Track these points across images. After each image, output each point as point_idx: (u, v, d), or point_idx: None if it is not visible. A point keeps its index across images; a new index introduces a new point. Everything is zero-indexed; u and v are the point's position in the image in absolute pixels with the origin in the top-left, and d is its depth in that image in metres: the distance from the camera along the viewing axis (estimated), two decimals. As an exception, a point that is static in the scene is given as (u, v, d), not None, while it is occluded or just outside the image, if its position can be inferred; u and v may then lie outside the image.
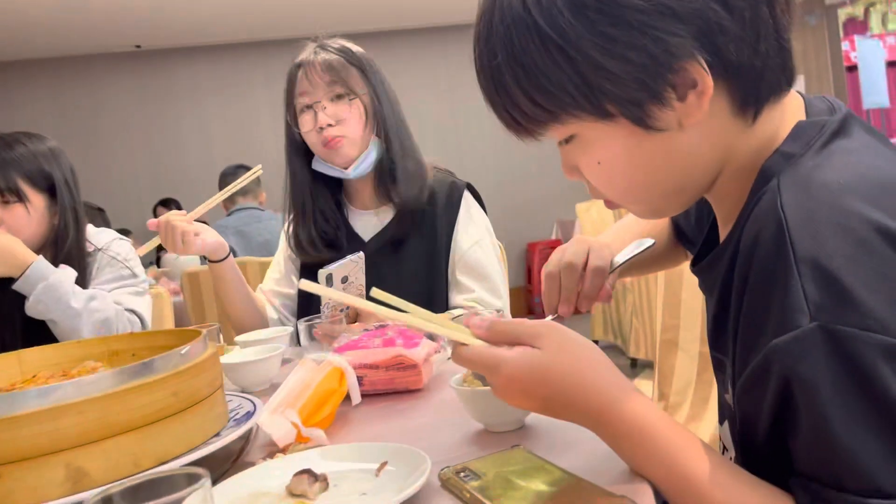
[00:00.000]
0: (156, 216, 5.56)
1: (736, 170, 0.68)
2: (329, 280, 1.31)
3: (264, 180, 5.69)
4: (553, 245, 6.10)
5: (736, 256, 0.64)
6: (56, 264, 1.55)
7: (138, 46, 6.17)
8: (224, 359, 1.17)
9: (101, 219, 3.89)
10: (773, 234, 0.57)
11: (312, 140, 1.50)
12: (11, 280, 1.49)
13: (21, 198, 1.55)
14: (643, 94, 0.60)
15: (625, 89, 0.60)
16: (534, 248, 6.51)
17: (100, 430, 0.66)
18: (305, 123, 1.49)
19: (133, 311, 1.59)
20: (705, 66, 0.59)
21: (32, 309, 1.49)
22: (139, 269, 1.70)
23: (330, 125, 1.47)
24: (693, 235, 0.97)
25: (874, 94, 6.44)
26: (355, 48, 1.52)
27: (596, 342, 4.04)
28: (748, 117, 0.65)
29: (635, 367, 4.07)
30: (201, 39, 6.27)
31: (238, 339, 1.37)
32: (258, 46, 6.53)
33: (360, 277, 1.34)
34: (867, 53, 6.50)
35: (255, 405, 0.88)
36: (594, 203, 4.59)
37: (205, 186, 6.08)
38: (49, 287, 1.48)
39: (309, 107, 1.48)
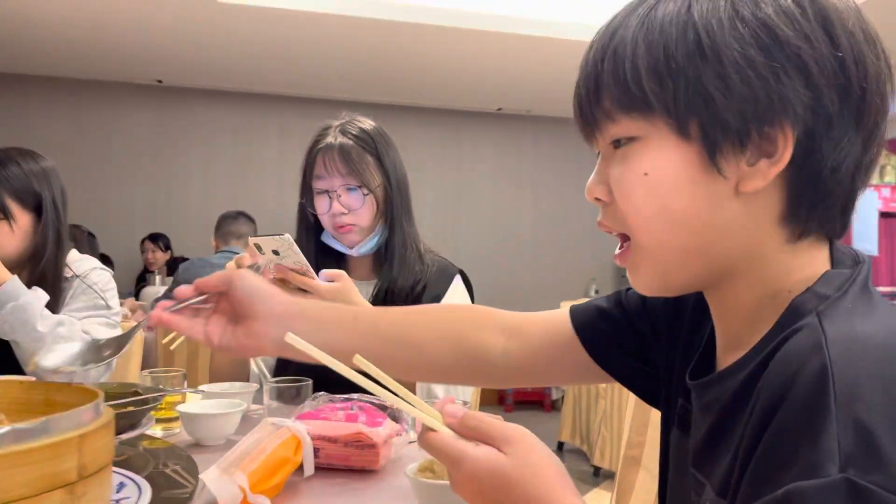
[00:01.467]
0: (143, 251, 5.54)
1: (758, 285, 0.66)
2: (259, 249, 1.36)
3: (262, 227, 5.74)
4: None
5: (751, 385, 0.61)
6: (31, 283, 1.54)
7: (160, 81, 6.28)
8: (182, 407, 1.15)
9: (88, 244, 3.86)
10: (815, 375, 0.56)
11: (325, 221, 1.55)
12: None
13: (6, 215, 1.55)
14: (733, 126, 0.60)
15: (721, 113, 0.60)
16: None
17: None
18: (321, 206, 1.54)
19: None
20: (792, 141, 0.59)
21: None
22: (114, 301, 1.69)
23: (343, 213, 1.51)
24: (634, 351, 0.85)
25: (865, 241, 6.61)
26: (373, 129, 1.57)
27: (561, 444, 3.97)
28: (792, 234, 0.64)
29: (598, 475, 3.99)
30: (221, 84, 6.40)
31: (203, 387, 1.34)
32: (274, 100, 6.66)
33: (293, 256, 1.34)
34: (862, 202, 6.71)
35: (140, 490, 0.79)
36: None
37: (202, 226, 6.11)
38: (17, 308, 1.47)
39: (325, 191, 1.52)
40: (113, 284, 1.72)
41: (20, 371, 1.50)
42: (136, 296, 4.63)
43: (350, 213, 1.52)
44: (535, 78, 6.03)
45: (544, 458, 0.63)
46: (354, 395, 1.12)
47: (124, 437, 0.89)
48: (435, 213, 6.69)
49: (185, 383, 1.30)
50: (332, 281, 1.37)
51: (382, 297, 1.53)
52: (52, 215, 1.62)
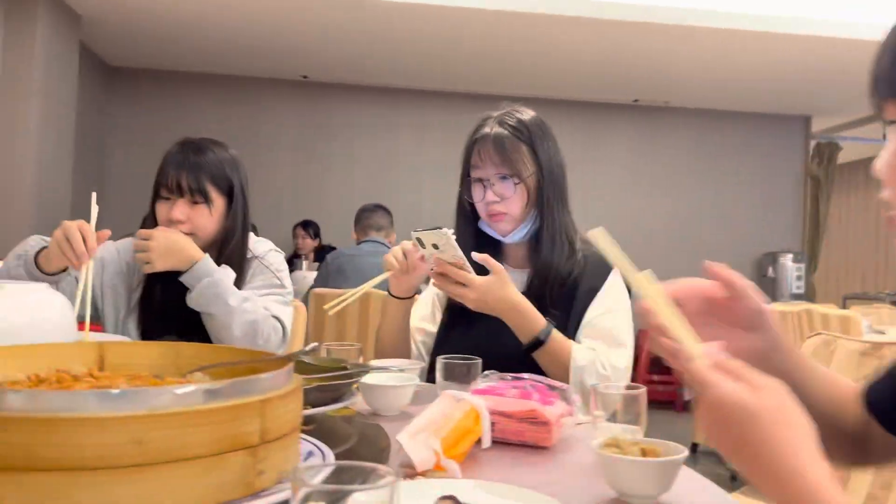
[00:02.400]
0: (295, 236, 5.84)
1: None
2: (421, 243, 1.44)
3: (398, 220, 5.94)
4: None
5: None
6: (219, 264, 1.69)
7: (305, 77, 6.61)
8: (363, 378, 1.24)
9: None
10: None
11: (480, 209, 1.61)
12: (178, 273, 1.64)
13: (207, 199, 1.70)
14: None
15: None
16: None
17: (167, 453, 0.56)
18: (475, 194, 1.60)
19: (277, 318, 1.70)
20: None
21: (194, 301, 1.62)
22: (287, 281, 1.82)
23: (495, 201, 1.56)
24: None
25: None
26: (531, 119, 1.60)
27: (695, 446, 3.89)
28: None
29: (735, 480, 3.86)
30: (361, 79, 6.65)
31: (373, 362, 1.44)
32: (412, 94, 6.85)
33: (451, 250, 1.41)
34: None
35: (324, 454, 0.79)
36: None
37: (342, 216, 6.39)
38: (212, 283, 1.62)
39: (479, 180, 1.58)
40: (286, 266, 1.85)
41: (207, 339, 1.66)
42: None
43: (502, 202, 1.56)
44: (675, 68, 5.86)
45: (798, 412, 0.62)
46: (525, 375, 1.17)
47: (326, 409, 0.97)
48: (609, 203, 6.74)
49: (361, 358, 1.40)
50: (486, 272, 1.43)
51: (537, 286, 1.57)
52: (241, 201, 1.77)
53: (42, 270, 1.52)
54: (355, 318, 3.21)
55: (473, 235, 1.65)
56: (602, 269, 1.59)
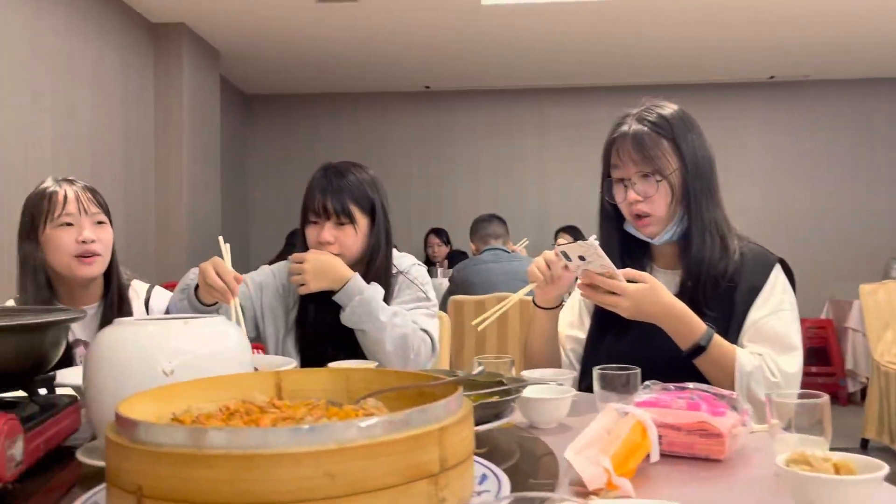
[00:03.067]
0: (427, 245, 5.96)
1: None
2: (566, 256, 1.42)
3: (524, 219, 5.92)
4: (822, 324, 5.54)
5: None
6: (367, 281, 1.75)
7: (427, 87, 6.74)
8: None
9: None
10: None
11: (624, 210, 1.56)
12: (331, 293, 1.70)
13: (351, 220, 1.76)
14: None
15: None
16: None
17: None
18: (617, 195, 1.55)
19: (426, 331, 1.74)
20: None
21: (347, 319, 1.68)
22: (432, 293, 1.85)
23: (638, 201, 1.51)
24: None
25: None
26: (672, 113, 1.53)
27: (865, 442, 3.63)
28: None
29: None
30: (481, 83, 6.68)
31: (524, 373, 1.43)
32: (531, 93, 6.80)
33: (599, 260, 1.37)
34: None
35: (500, 482, 0.79)
36: (883, 285, 4.10)
37: (470, 220, 6.44)
38: (363, 301, 1.67)
39: (620, 180, 1.53)
40: (429, 278, 1.89)
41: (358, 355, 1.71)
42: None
43: (645, 201, 1.50)
44: (814, 37, 5.48)
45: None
46: (690, 385, 1.12)
47: (489, 426, 0.97)
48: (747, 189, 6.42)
49: (513, 370, 1.39)
50: (635, 282, 1.38)
51: (690, 288, 1.50)
52: (383, 218, 1.82)
53: (202, 302, 1.62)
54: (494, 326, 3.22)
55: (619, 238, 1.61)
56: (762, 266, 1.49)
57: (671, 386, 1.14)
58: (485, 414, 0.99)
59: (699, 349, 1.38)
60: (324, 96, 6.91)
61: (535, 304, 1.62)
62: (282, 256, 4.51)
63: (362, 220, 1.79)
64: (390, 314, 1.68)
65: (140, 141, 4.76)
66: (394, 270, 1.85)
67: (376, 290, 1.71)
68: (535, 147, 6.78)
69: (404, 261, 1.89)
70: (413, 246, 6.47)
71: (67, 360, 1.73)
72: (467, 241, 6.14)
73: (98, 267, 1.75)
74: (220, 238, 1.64)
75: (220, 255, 1.59)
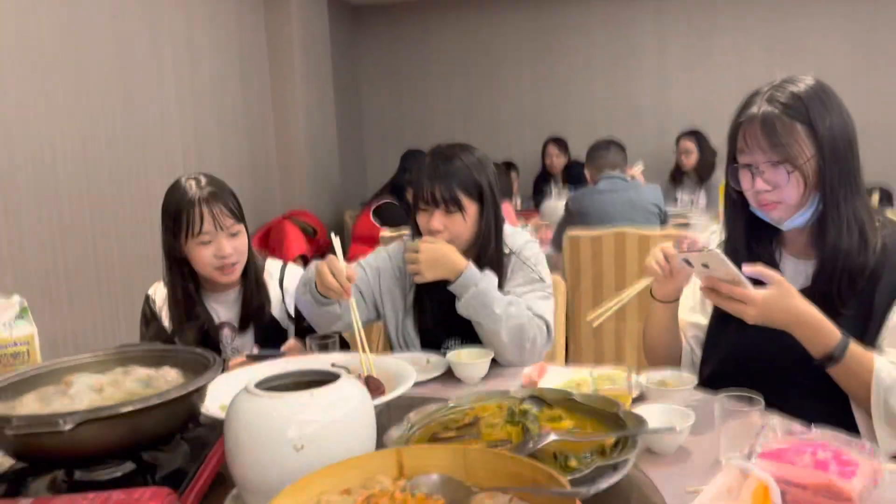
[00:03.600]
0: (545, 155, 5.81)
1: None
2: (689, 263, 1.37)
3: (643, 119, 5.68)
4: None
5: None
6: (480, 265, 1.75)
7: (537, -15, 6.39)
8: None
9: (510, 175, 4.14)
10: None
11: (749, 197, 1.44)
12: (447, 281, 1.72)
13: (460, 207, 1.76)
14: None
15: None
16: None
17: None
18: (744, 182, 1.43)
19: (541, 317, 1.74)
20: None
21: (462, 309, 1.71)
22: (546, 272, 1.83)
23: (767, 190, 1.39)
24: None
25: None
26: (808, 91, 1.38)
27: None
28: None
29: None
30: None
31: (643, 379, 1.42)
32: (653, -16, 6.32)
33: (724, 267, 1.30)
34: None
35: None
36: None
37: (587, 128, 6.25)
38: (478, 293, 1.68)
39: (747, 166, 1.42)
40: (542, 256, 1.87)
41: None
42: (537, 206, 4.94)
43: (773, 191, 1.39)
44: None
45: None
46: (816, 431, 1.08)
47: (612, 482, 0.98)
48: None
49: (633, 375, 1.38)
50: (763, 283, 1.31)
51: (824, 281, 1.40)
52: (491, 200, 1.80)
53: (323, 295, 1.68)
54: (612, 265, 3.17)
55: (745, 223, 1.50)
56: None
57: (798, 429, 1.10)
58: (600, 472, 1.00)
59: (832, 358, 1.31)
60: (430, 4, 6.71)
61: (652, 296, 1.58)
62: (395, 181, 4.58)
63: (471, 207, 1.78)
64: (505, 304, 1.69)
65: (255, 66, 4.83)
66: (507, 251, 1.84)
67: (490, 280, 1.72)
68: (653, 44, 6.35)
69: (517, 239, 1.87)
70: (528, 157, 6.36)
71: (214, 342, 1.89)
72: (584, 149, 5.98)
73: (236, 273, 1.86)
74: (332, 234, 1.69)
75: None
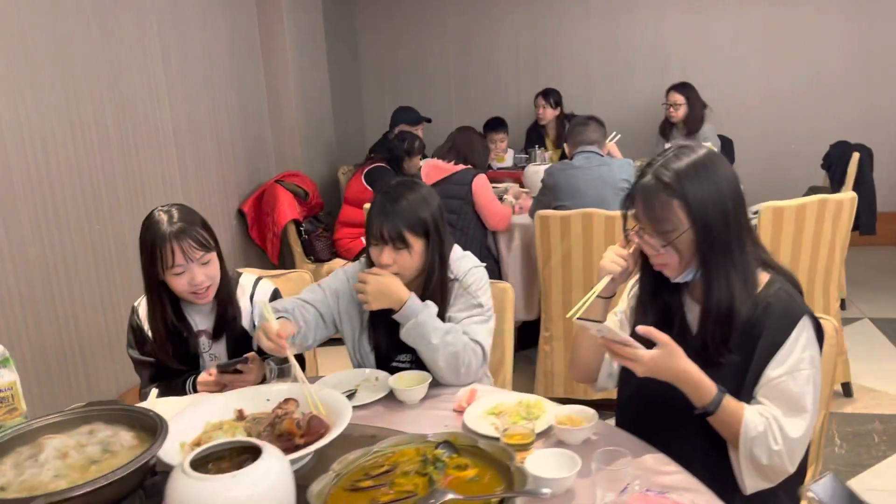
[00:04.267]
0: (536, 106, 5.80)
1: None
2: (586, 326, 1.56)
3: (646, 63, 5.62)
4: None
5: None
6: (425, 294, 1.94)
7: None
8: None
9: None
10: None
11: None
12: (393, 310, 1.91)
13: (406, 245, 1.91)
14: None
15: None
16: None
17: None
18: (637, 238, 1.60)
19: (478, 342, 1.92)
20: None
21: (404, 337, 1.90)
22: (486, 296, 1.99)
23: (653, 253, 1.57)
24: None
25: None
26: (686, 168, 1.51)
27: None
28: None
29: None
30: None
31: (554, 416, 1.60)
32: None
33: (614, 335, 1.49)
34: None
35: None
36: None
37: (580, 80, 6.25)
38: (416, 324, 1.86)
39: (641, 228, 1.57)
40: (485, 281, 2.02)
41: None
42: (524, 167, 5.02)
43: (658, 255, 1.56)
44: None
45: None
46: (673, 496, 1.26)
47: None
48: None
49: (533, 421, 1.56)
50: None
51: (710, 328, 1.54)
52: (436, 234, 1.95)
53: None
54: (580, 243, 3.31)
55: (652, 271, 1.65)
56: (787, 321, 1.51)
57: (653, 493, 1.28)
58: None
59: (707, 413, 1.49)
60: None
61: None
62: (388, 144, 4.69)
63: (416, 243, 1.93)
64: (442, 334, 1.86)
65: (243, 26, 4.85)
66: (452, 276, 2.00)
67: (430, 311, 1.89)
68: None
69: (462, 265, 2.02)
70: (522, 109, 6.39)
71: (193, 348, 2.10)
72: (579, 103, 6.00)
73: (210, 295, 2.07)
74: (266, 303, 1.86)
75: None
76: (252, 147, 4.87)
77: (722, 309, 1.52)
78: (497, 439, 1.50)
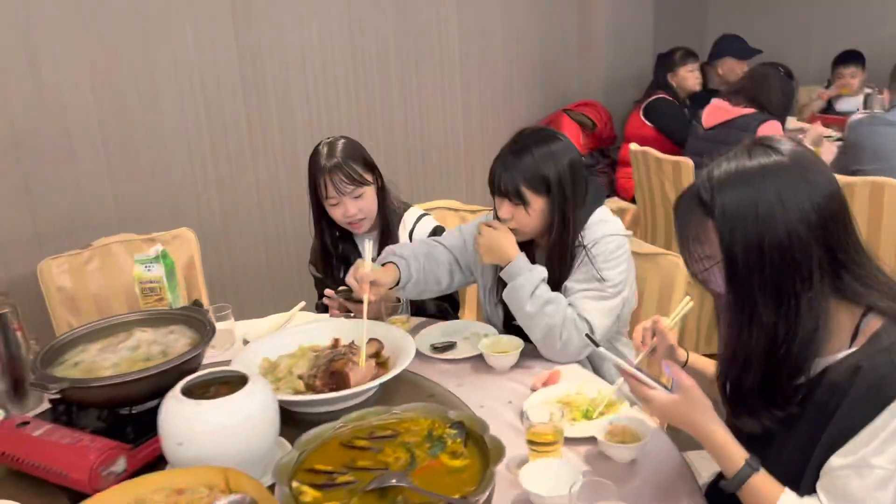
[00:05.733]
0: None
1: None
2: None
3: None
4: None
5: None
6: (543, 257, 1.77)
7: None
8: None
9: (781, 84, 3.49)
10: None
11: None
12: None
13: (523, 200, 1.74)
14: None
15: None
16: None
17: None
18: None
19: (585, 319, 1.69)
20: None
21: (506, 298, 1.77)
22: (614, 272, 1.72)
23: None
24: None
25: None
26: None
27: None
28: None
29: None
30: None
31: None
32: None
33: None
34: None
35: None
36: None
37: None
38: (515, 287, 1.71)
39: None
40: (619, 253, 1.74)
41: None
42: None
43: None
44: None
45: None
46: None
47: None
48: None
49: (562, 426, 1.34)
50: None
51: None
52: (559, 195, 1.74)
53: None
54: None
55: None
56: (878, 397, 1.02)
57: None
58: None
59: (729, 486, 1.16)
60: None
61: None
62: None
63: (536, 200, 1.75)
64: (542, 303, 1.68)
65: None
66: (582, 241, 1.77)
67: (531, 276, 1.71)
68: None
69: (598, 230, 1.76)
70: (818, 70, 5.08)
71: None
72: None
73: (364, 227, 2.16)
74: (367, 240, 1.89)
75: None
76: (550, 74, 4.76)
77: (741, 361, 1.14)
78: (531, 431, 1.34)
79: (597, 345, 1.44)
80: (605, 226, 1.78)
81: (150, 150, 2.83)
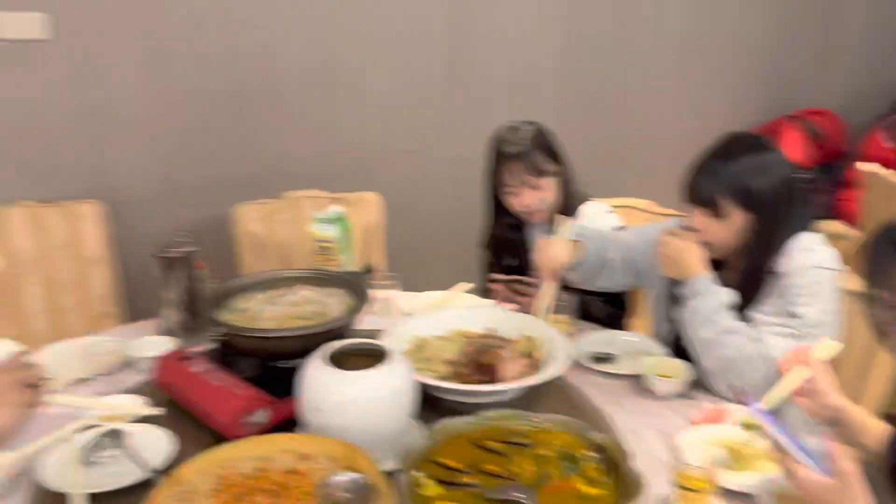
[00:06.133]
0: None
1: None
2: None
3: None
4: None
5: None
6: (735, 280, 1.57)
7: None
8: None
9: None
10: None
11: None
12: None
13: (718, 213, 1.54)
14: None
15: None
16: None
17: None
18: None
19: (770, 359, 1.47)
20: None
21: (679, 317, 1.59)
22: (812, 309, 1.47)
23: None
24: None
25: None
26: None
27: None
28: None
29: None
30: None
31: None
32: None
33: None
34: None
35: None
36: None
37: None
38: (690, 309, 1.53)
39: None
40: (822, 288, 1.49)
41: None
42: None
43: None
44: None
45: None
46: None
47: None
48: None
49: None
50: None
51: None
52: (770, 213, 1.51)
53: None
54: None
55: None
56: None
57: None
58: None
59: None
60: None
61: None
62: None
63: (736, 215, 1.53)
64: (721, 331, 1.48)
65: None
66: (779, 269, 1.54)
67: (714, 300, 1.51)
68: None
69: (801, 258, 1.51)
70: None
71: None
72: None
73: (541, 217, 2.03)
74: (571, 223, 1.79)
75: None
76: (781, 76, 4.28)
77: None
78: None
79: None
80: (809, 255, 1.53)
81: (352, 112, 2.92)
